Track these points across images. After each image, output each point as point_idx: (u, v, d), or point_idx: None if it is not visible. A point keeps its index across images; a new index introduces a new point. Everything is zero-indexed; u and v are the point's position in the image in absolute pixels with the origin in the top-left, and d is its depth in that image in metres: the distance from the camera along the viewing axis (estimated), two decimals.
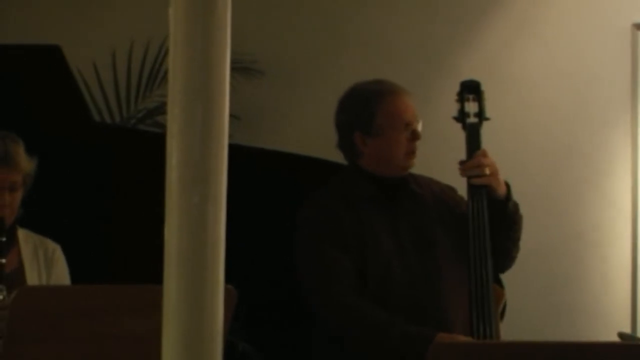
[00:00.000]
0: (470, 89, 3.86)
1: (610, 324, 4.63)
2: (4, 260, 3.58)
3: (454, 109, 3.86)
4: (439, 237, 3.85)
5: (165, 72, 4.13)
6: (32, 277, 3.68)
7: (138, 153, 4.04)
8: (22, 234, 3.72)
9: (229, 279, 2.12)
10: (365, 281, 3.81)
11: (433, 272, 3.80)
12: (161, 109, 5.11)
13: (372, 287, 3.80)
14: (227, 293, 2.09)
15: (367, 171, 3.81)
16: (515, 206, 3.87)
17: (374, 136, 3.78)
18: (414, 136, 3.80)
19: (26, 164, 3.65)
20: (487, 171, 3.75)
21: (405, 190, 3.86)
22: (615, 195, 4.91)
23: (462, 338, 3.68)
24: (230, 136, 2.08)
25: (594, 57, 5.01)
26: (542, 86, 5.00)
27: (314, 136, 4.64)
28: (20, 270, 3.65)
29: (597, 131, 4.98)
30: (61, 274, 3.74)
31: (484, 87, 3.88)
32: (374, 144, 3.77)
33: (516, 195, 3.91)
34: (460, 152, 3.83)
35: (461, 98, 3.86)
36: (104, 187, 4.21)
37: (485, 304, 3.78)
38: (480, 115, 3.83)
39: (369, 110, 3.81)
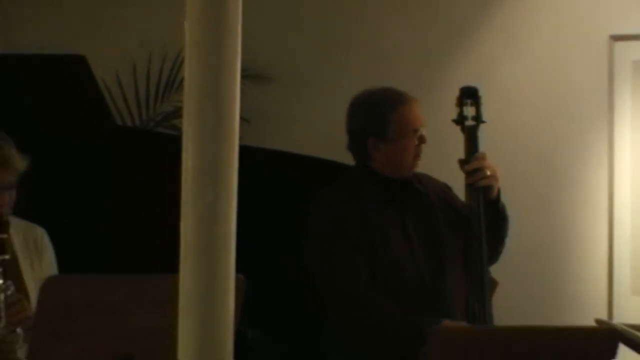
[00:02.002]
0: (469, 94, 3.85)
1: (589, 312, 4.62)
2: (7, 256, 3.53)
3: (453, 112, 3.85)
4: (444, 236, 3.84)
5: (181, 80, 4.12)
6: (26, 266, 3.64)
7: (156, 153, 4.02)
8: (11, 222, 3.65)
9: (238, 270, 2.08)
10: (375, 277, 3.80)
11: (439, 268, 3.79)
12: (177, 113, 5.09)
13: (381, 282, 3.79)
14: (237, 282, 2.04)
15: (377, 173, 3.79)
16: (504, 207, 3.88)
17: (387, 142, 3.76)
18: (421, 141, 3.80)
19: (20, 163, 3.59)
20: (489, 173, 3.78)
21: (411, 190, 3.85)
22: (594, 193, 4.91)
23: (464, 324, 3.68)
24: (241, 138, 2.07)
25: (574, 66, 5.02)
26: (528, 93, 5.00)
27: (318, 138, 4.66)
28: (13, 260, 3.60)
29: (577, 135, 4.99)
30: (50, 259, 3.70)
31: (481, 93, 3.88)
32: (386, 149, 3.76)
33: (504, 192, 3.89)
34: (459, 152, 3.82)
35: (460, 102, 3.84)
36: (123, 184, 4.18)
37: (485, 290, 3.78)
38: (478, 118, 3.83)
39: (383, 118, 3.80)
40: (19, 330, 3.40)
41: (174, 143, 2.28)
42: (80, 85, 4.54)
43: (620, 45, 4.82)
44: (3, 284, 3.44)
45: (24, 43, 5.57)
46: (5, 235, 3.48)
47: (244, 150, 2.05)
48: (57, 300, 3.22)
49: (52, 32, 5.51)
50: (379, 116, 3.81)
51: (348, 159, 3.90)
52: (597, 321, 3.95)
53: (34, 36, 5.65)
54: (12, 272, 3.53)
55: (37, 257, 3.72)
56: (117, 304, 3.15)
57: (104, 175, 4.30)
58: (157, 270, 2.80)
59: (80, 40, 5.12)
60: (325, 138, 4.29)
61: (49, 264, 3.72)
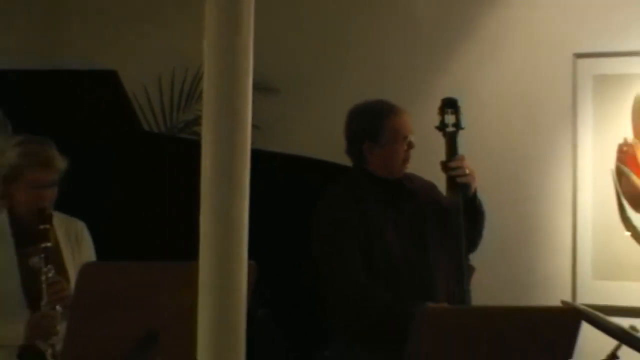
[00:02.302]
0: (450, 104, 3.86)
1: (555, 294, 4.61)
2: (49, 243, 3.56)
3: (436, 120, 3.86)
4: (429, 227, 3.86)
5: (201, 92, 4.08)
6: (67, 254, 3.65)
7: (178, 156, 4.02)
8: (54, 217, 3.68)
9: (251, 257, 2.11)
10: (371, 262, 3.80)
11: (424, 255, 3.80)
12: (197, 120, 5.05)
13: (377, 266, 3.80)
14: (249, 267, 2.09)
15: (372, 174, 3.80)
16: (481, 203, 3.89)
17: (380, 146, 3.77)
18: (409, 146, 3.81)
19: (61, 164, 3.60)
20: (467, 172, 3.79)
21: (402, 188, 3.86)
22: (560, 191, 4.90)
23: (446, 305, 3.70)
24: (252, 142, 2.06)
25: (542, 80, 5.01)
26: (502, 103, 5.00)
27: (319, 142, 4.64)
28: (56, 248, 3.63)
29: (545, 139, 4.98)
30: (89, 249, 3.72)
31: (460, 103, 3.90)
32: (379, 152, 3.77)
33: (480, 190, 3.90)
34: (441, 155, 3.83)
35: (442, 111, 3.85)
36: (150, 182, 4.19)
37: (465, 276, 3.80)
38: (457, 125, 3.83)
39: (377, 125, 3.80)
40: (58, 307, 3.41)
41: (195, 147, 2.26)
42: (113, 96, 4.55)
43: (582, 62, 4.82)
44: (45, 267, 3.45)
45: (66, 60, 5.55)
46: (48, 226, 3.52)
47: (255, 153, 2.06)
48: (92, 284, 3.23)
49: (89, 50, 5.52)
50: (374, 124, 3.81)
51: (346, 161, 3.90)
52: (563, 302, 4.05)
53: (74, 53, 5.63)
54: (55, 259, 3.56)
55: (77, 247, 3.73)
56: (145, 287, 3.16)
57: (134, 175, 4.31)
58: (179, 257, 2.79)
59: (113, 57, 5.14)
60: (326, 143, 4.30)
61: (88, 253, 3.74)
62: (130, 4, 5.66)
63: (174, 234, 3.62)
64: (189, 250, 2.31)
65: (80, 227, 3.74)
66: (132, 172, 4.35)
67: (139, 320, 3.15)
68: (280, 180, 4.08)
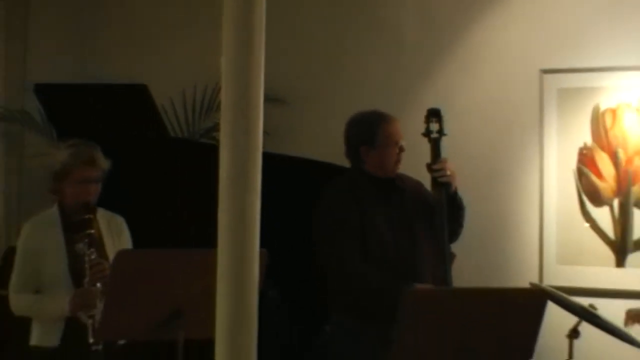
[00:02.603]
0: (434, 114, 3.87)
1: (524, 278, 4.62)
2: (93, 230, 3.59)
3: (421, 127, 3.87)
4: (416, 220, 3.87)
5: (219, 103, 4.08)
6: (108, 244, 3.68)
7: (200, 158, 3.98)
8: (99, 212, 3.75)
9: (263, 246, 2.16)
10: (367, 249, 3.80)
11: (412, 243, 3.81)
12: (216, 127, 4.98)
13: (372, 253, 3.79)
14: (260, 254, 2.13)
15: (368, 173, 3.80)
16: (461, 200, 3.89)
17: (375, 149, 3.78)
18: (400, 150, 3.82)
19: (104, 163, 3.64)
20: (449, 173, 3.79)
21: (393, 186, 3.87)
22: (528, 188, 4.90)
23: (431, 286, 3.72)
24: (263, 146, 2.10)
25: (513, 92, 5.00)
26: (479, 113, 5.00)
27: (321, 146, 4.63)
28: (99, 237, 3.66)
29: (515, 145, 4.98)
30: (127, 240, 3.75)
31: (443, 113, 3.91)
32: (374, 155, 3.77)
33: (460, 188, 3.90)
34: (426, 158, 3.84)
35: (427, 120, 3.87)
36: (175, 181, 4.20)
37: (447, 261, 3.82)
38: (441, 132, 3.84)
39: (372, 131, 3.81)
40: (98, 285, 3.44)
41: (213, 150, 2.32)
42: (143, 106, 4.57)
43: (548, 77, 4.82)
44: (88, 250, 3.48)
45: (105, 75, 5.58)
46: (92, 216, 3.57)
47: (265, 156, 2.11)
48: (126, 267, 3.25)
49: (124, 67, 5.52)
50: (369, 130, 3.81)
51: (344, 162, 3.90)
52: (531, 284, 4.08)
53: (111, 70, 5.64)
54: (97, 246, 3.61)
55: (117, 237, 3.76)
56: (171, 271, 3.19)
57: (162, 175, 4.31)
58: (201, 246, 2.79)
59: (144, 74, 5.16)
60: (327, 146, 4.31)
61: (126, 243, 3.77)
62: (158, 31, 5.65)
63: (196, 225, 3.60)
64: (209, 239, 2.33)
65: (120, 221, 3.78)
66: (160, 173, 4.35)
67: (165, 299, 3.17)
68: (287, 178, 4.07)
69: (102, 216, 3.73)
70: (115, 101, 4.72)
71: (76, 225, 3.62)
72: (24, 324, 3.75)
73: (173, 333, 3.20)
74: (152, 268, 3.27)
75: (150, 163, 4.32)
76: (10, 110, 5.49)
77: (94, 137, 3.78)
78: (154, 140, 4.57)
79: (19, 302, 3.67)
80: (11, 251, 4.86)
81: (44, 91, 4.90)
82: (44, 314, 3.62)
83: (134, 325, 3.30)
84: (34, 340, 3.64)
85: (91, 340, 3.46)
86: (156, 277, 3.23)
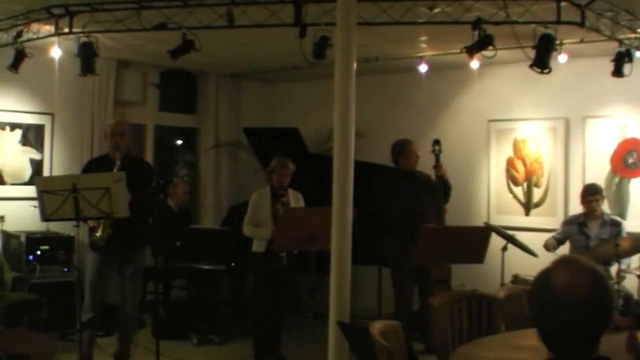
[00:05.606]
0: (436, 141, 4.42)
1: (480, 221, 5.19)
2: (285, 199, 4.22)
3: (429, 147, 4.47)
4: (425, 194, 4.37)
5: (332, 138, 3.87)
6: (293, 204, 4.17)
7: (324, 165, 4.03)
8: (289, 191, 4.11)
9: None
10: (401, 204, 4.32)
11: (422, 206, 4.34)
12: (330, 147, 5.29)
13: (402, 206, 4.40)
14: (353, 209, 2.66)
15: (402, 169, 4.36)
16: (449, 184, 4.47)
17: (404, 158, 4.40)
18: (417, 157, 4.42)
19: (292, 167, 4.18)
20: (443, 171, 4.36)
21: (414, 177, 4.35)
22: (481, 178, 5.64)
23: (434, 225, 4.01)
24: (356, 151, 2.45)
25: (473, 133, 5.58)
26: (454, 143, 5.58)
27: (384, 158, 5.01)
28: (288, 201, 4.15)
29: (474, 161, 5.57)
30: (301, 204, 4.23)
31: (441, 141, 4.37)
32: (404, 160, 4.40)
33: (449, 178, 4.47)
34: (432, 162, 4.44)
35: (433, 144, 4.40)
36: (314, 174, 4.31)
37: (442, 215, 4.50)
38: (440, 150, 4.42)
39: (403, 149, 4.38)
40: None
41: (330, 159, 2.77)
42: (296, 140, 5.16)
43: (492, 124, 5.63)
44: (282, 208, 4.03)
45: (279, 122, 6.18)
46: (285, 192, 4.14)
47: (355, 163, 2.48)
48: (291, 215, 3.85)
49: (289, 118, 6.12)
50: (402, 148, 4.35)
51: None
52: (485, 223, 4.80)
53: (280, 119, 6.32)
54: (287, 206, 4.12)
55: (296, 202, 4.34)
56: (312, 217, 3.78)
57: (309, 171, 4.55)
58: (325, 205, 3.15)
59: (295, 122, 5.76)
60: (386, 159, 4.78)
61: (301, 205, 3.96)
62: (309, 103, 6.07)
63: (323, 195, 3.59)
64: (329, 202, 2.80)
65: (300, 196, 4.17)
66: (309, 170, 4.56)
67: (308, 230, 3.74)
68: (364, 173, 4.09)
69: (292, 193, 4.09)
70: (282, 136, 5.28)
71: (277, 195, 4.10)
72: (250, 243, 4.13)
73: (311, 246, 3.70)
74: (303, 215, 3.85)
75: (305, 166, 4.57)
76: (231, 140, 6.17)
77: (282, 154, 4.11)
78: (305, 154, 4.98)
79: (248, 229, 4.14)
80: (231, 209, 5.54)
81: (247, 131, 5.61)
82: (259, 236, 4.12)
83: (293, 242, 3.86)
84: (254, 247, 4.17)
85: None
86: (305, 219, 3.81)
